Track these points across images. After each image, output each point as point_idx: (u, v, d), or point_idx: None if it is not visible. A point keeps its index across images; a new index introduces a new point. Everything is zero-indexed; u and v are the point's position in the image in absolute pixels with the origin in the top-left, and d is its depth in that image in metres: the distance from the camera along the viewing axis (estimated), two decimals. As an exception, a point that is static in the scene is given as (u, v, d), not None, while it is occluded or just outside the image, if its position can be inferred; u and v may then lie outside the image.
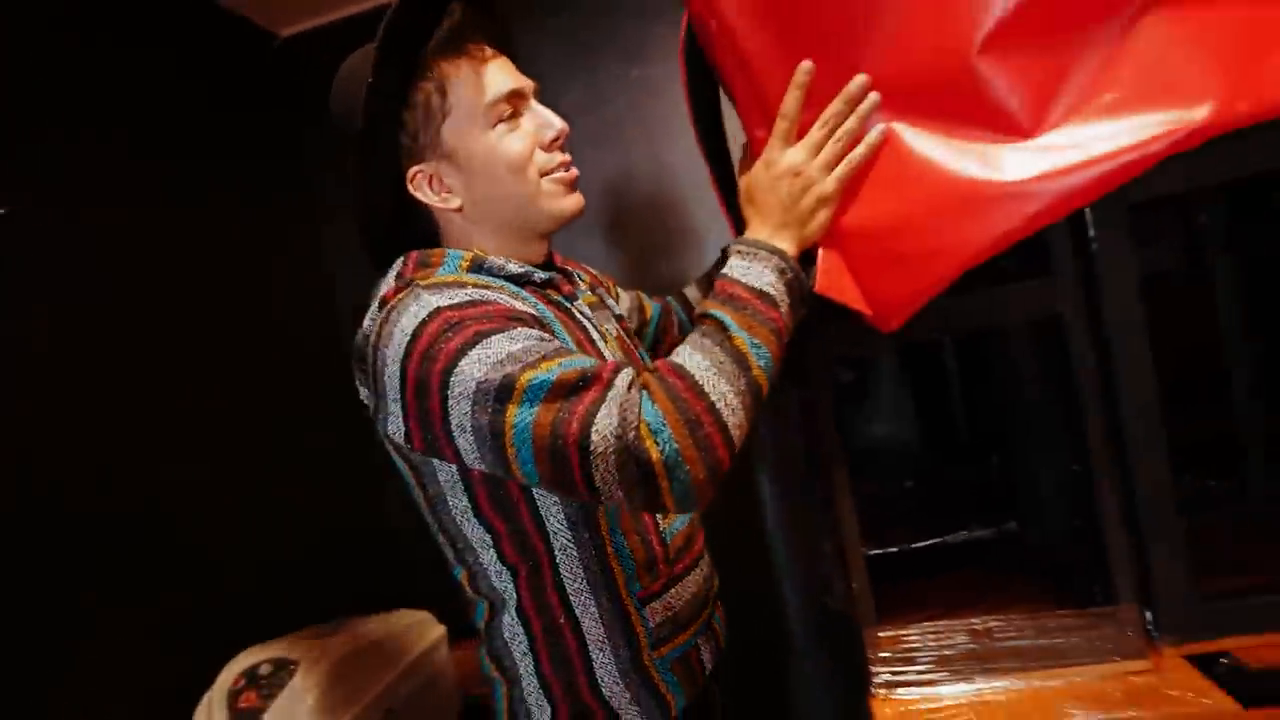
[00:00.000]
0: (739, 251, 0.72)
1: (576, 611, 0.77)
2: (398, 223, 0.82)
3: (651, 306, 1.10)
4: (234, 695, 1.33)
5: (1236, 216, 1.00)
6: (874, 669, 0.82)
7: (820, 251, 0.72)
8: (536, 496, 0.74)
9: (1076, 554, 0.91)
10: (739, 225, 0.80)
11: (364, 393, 0.78)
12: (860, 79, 0.67)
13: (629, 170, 1.82)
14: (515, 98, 0.78)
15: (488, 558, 0.77)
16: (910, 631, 0.82)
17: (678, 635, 0.81)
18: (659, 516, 0.81)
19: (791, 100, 0.70)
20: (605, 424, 0.61)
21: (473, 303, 0.69)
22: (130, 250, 1.44)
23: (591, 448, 0.61)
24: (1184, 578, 0.79)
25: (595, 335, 0.81)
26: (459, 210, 0.79)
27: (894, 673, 0.81)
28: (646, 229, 1.79)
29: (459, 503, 0.76)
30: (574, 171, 0.82)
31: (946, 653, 0.81)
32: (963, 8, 0.63)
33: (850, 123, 0.68)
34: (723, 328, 0.67)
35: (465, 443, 0.66)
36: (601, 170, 1.82)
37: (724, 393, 0.63)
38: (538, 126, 0.79)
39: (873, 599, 0.86)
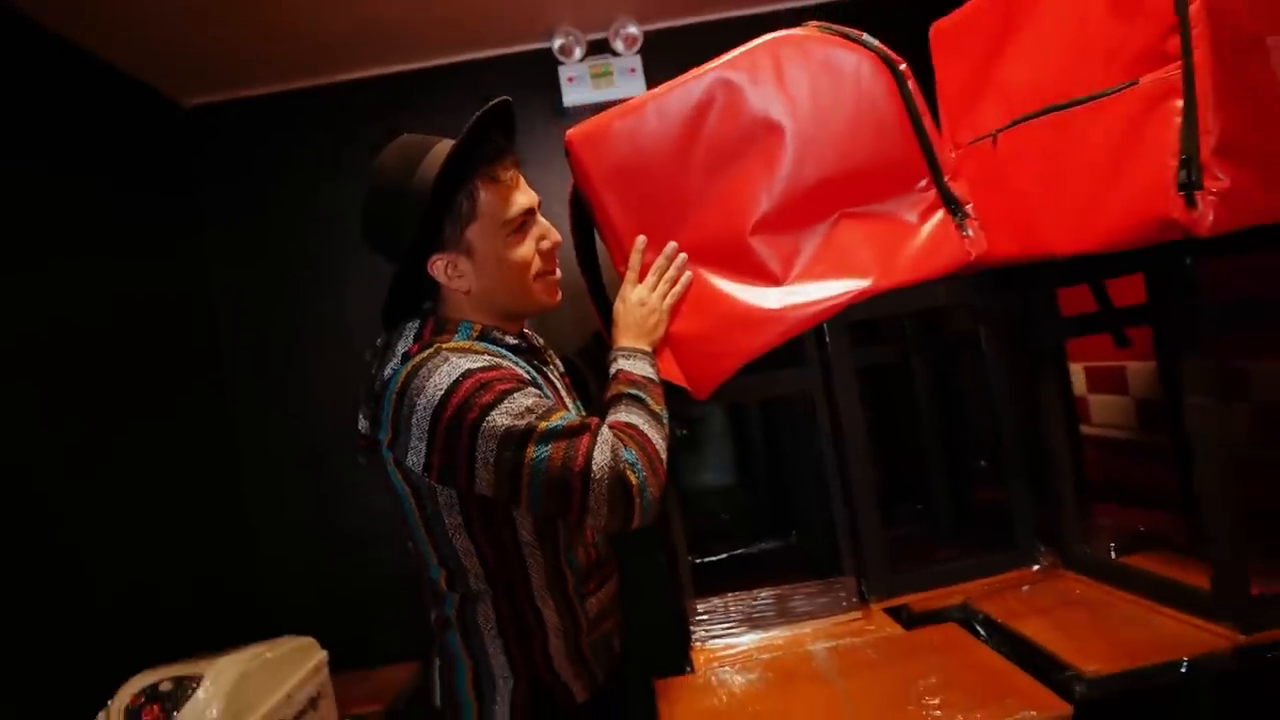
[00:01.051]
0: (623, 355, 1.04)
1: (539, 605, 0.98)
2: (404, 290, 1.01)
3: None
4: (134, 712, 1.45)
5: (924, 329, 1.53)
6: (692, 629, 1.19)
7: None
8: (516, 519, 0.93)
9: (828, 552, 1.34)
10: (605, 318, 1.16)
11: (364, 423, 0.99)
12: (672, 245, 1.08)
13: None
14: (528, 214, 0.99)
15: (470, 563, 0.96)
16: (716, 601, 1.20)
17: (603, 624, 1.04)
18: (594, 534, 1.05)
19: (634, 260, 1.09)
20: (601, 459, 0.86)
21: (494, 367, 0.90)
22: (23, 298, 1.54)
23: (592, 475, 0.86)
24: (883, 561, 1.24)
25: (562, 391, 1.08)
26: (466, 292, 0.99)
27: (706, 630, 1.18)
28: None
29: (453, 520, 0.94)
30: (558, 274, 1.05)
31: (741, 615, 1.20)
32: (740, 207, 1.07)
33: (671, 271, 1.09)
34: (640, 400, 0.98)
35: (485, 473, 0.87)
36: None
37: (657, 439, 0.94)
38: (539, 237, 1.01)
39: (693, 582, 1.23)
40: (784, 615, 1.20)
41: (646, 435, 0.94)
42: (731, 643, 1.17)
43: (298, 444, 2.21)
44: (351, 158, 2.26)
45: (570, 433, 0.88)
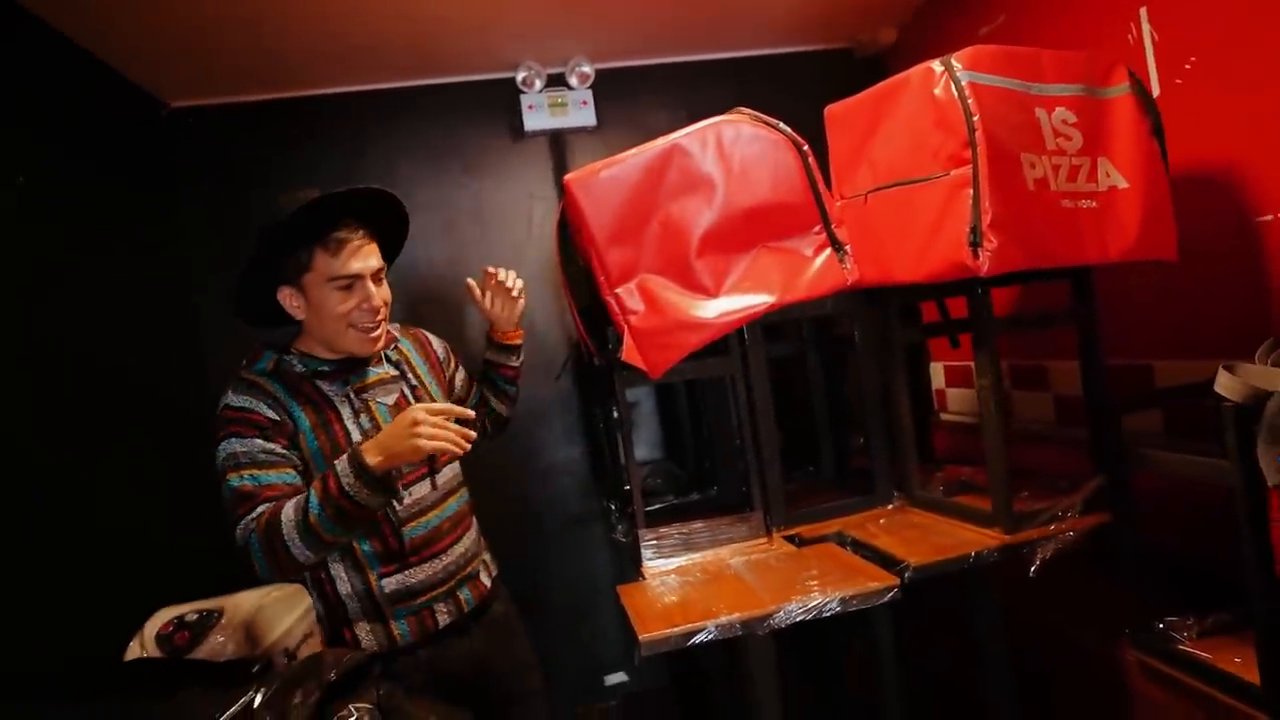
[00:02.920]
0: (349, 456, 1.18)
1: (334, 576, 1.35)
2: (277, 309, 1.33)
3: (474, 387, 1.74)
4: (165, 638, 1.69)
5: (818, 331, 1.98)
6: (643, 553, 1.57)
7: (625, 340, 1.48)
8: None
9: (743, 499, 1.76)
10: (586, 325, 1.53)
11: None
12: (469, 412, 1.23)
13: (463, 253, 2.51)
14: (354, 278, 1.27)
15: None
16: (659, 530, 1.59)
17: (411, 600, 1.37)
18: (401, 524, 1.34)
19: (443, 405, 1.23)
20: (238, 532, 1.21)
21: (241, 409, 1.25)
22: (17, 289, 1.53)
23: (236, 535, 1.21)
24: (784, 502, 1.66)
25: (349, 411, 1.33)
26: (302, 320, 1.34)
27: (654, 552, 1.57)
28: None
29: None
30: (378, 330, 1.33)
31: (678, 541, 1.59)
32: (688, 237, 1.46)
33: (454, 428, 1.19)
34: (308, 500, 1.18)
35: None
36: (444, 253, 2.50)
37: (292, 535, 1.17)
38: (362, 299, 1.29)
39: (645, 518, 1.61)
40: (710, 539, 1.60)
41: (280, 529, 1.18)
42: (671, 560, 1.57)
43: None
44: (329, 166, 2.51)
45: (239, 497, 1.22)
